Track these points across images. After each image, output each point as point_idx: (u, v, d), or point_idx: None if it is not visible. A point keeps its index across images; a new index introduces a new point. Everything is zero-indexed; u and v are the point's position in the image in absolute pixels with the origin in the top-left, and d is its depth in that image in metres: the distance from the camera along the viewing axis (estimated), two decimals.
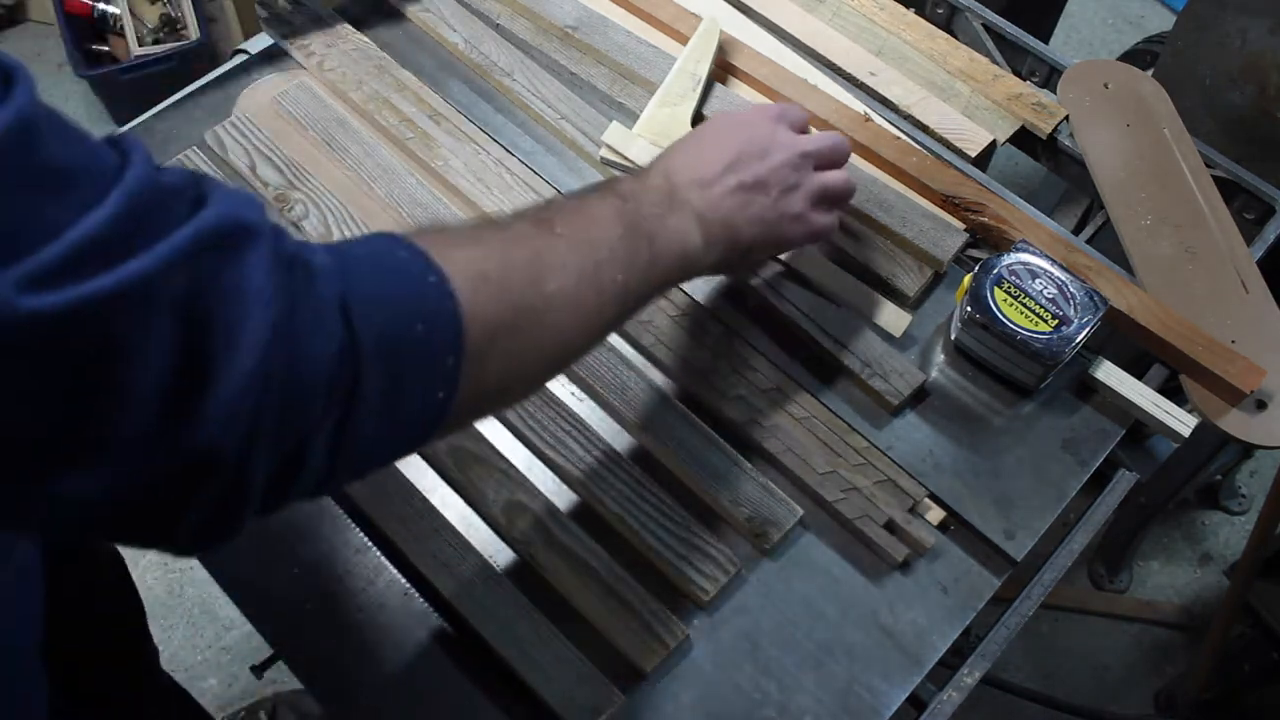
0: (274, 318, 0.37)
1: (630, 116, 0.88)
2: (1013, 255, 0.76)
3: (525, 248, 0.51)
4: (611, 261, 0.55)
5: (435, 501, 0.71)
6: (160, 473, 0.36)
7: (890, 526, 0.70)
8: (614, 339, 0.78)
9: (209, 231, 0.36)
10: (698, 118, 0.88)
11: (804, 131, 0.71)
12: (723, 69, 0.92)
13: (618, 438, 0.74)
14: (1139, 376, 0.77)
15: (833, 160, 0.71)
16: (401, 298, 0.43)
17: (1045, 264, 0.75)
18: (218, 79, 0.93)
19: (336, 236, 0.81)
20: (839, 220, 0.72)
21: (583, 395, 0.76)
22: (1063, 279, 0.75)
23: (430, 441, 0.47)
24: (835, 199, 0.71)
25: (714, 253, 0.64)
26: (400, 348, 0.42)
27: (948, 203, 0.84)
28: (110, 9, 1.94)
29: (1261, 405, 0.77)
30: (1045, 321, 0.73)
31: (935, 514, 0.72)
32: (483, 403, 0.51)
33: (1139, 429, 0.77)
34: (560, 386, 0.76)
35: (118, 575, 0.95)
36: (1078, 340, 0.72)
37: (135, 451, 0.35)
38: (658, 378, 0.77)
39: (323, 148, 0.86)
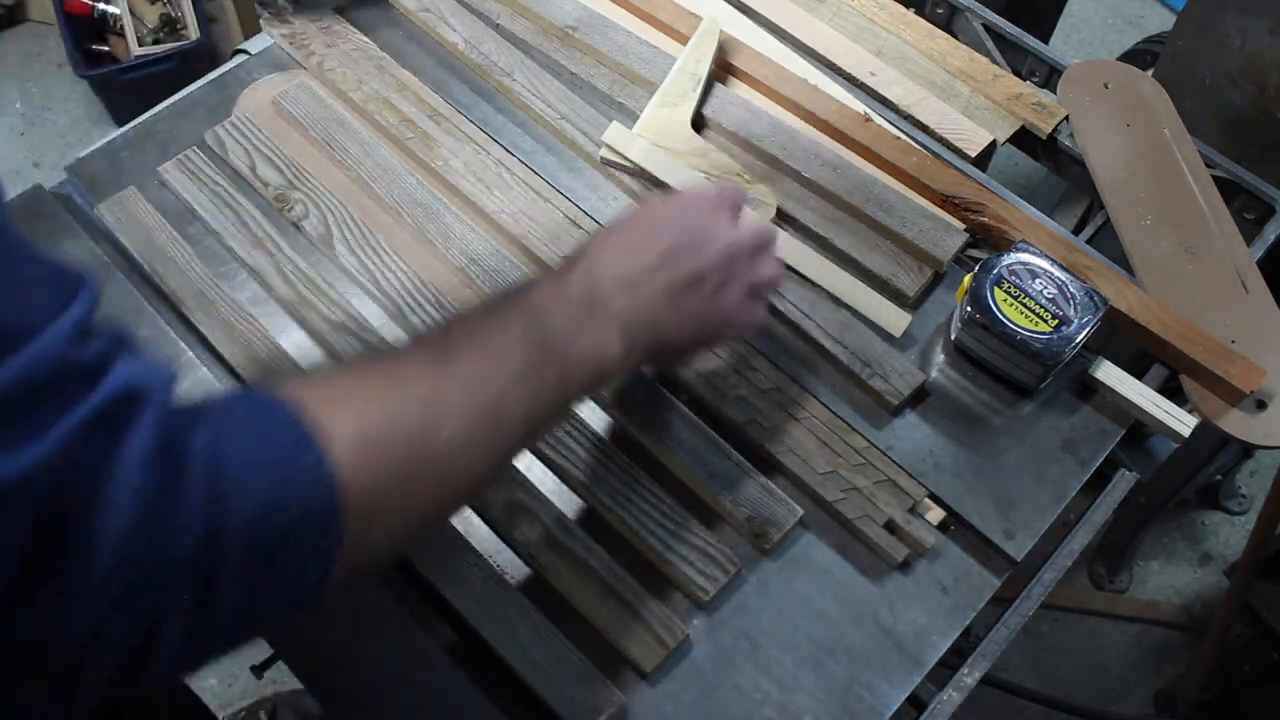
0: (138, 512, 0.36)
1: (630, 116, 0.88)
2: (1013, 255, 0.76)
3: (417, 393, 0.48)
4: (515, 393, 0.51)
5: None
6: None
7: (890, 526, 0.70)
8: None
9: (95, 414, 0.36)
10: (698, 117, 0.88)
11: (739, 212, 0.66)
12: (723, 69, 0.92)
13: (618, 438, 0.74)
14: (1139, 376, 0.77)
15: (764, 247, 0.65)
16: (275, 481, 0.41)
17: (1045, 264, 0.75)
18: (218, 79, 0.93)
19: (336, 237, 0.82)
20: (767, 311, 0.67)
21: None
22: (1063, 279, 0.75)
23: (315, 607, 0.45)
24: (765, 289, 0.66)
25: (636, 357, 0.59)
26: (270, 533, 0.41)
27: (948, 203, 0.84)
28: (110, 9, 1.94)
29: (1261, 405, 0.77)
30: (1045, 321, 0.73)
31: (935, 514, 0.72)
32: (373, 558, 0.49)
33: (1139, 429, 0.77)
34: None
35: None
36: (1078, 340, 0.72)
37: None
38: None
39: (323, 148, 0.86)
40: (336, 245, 0.81)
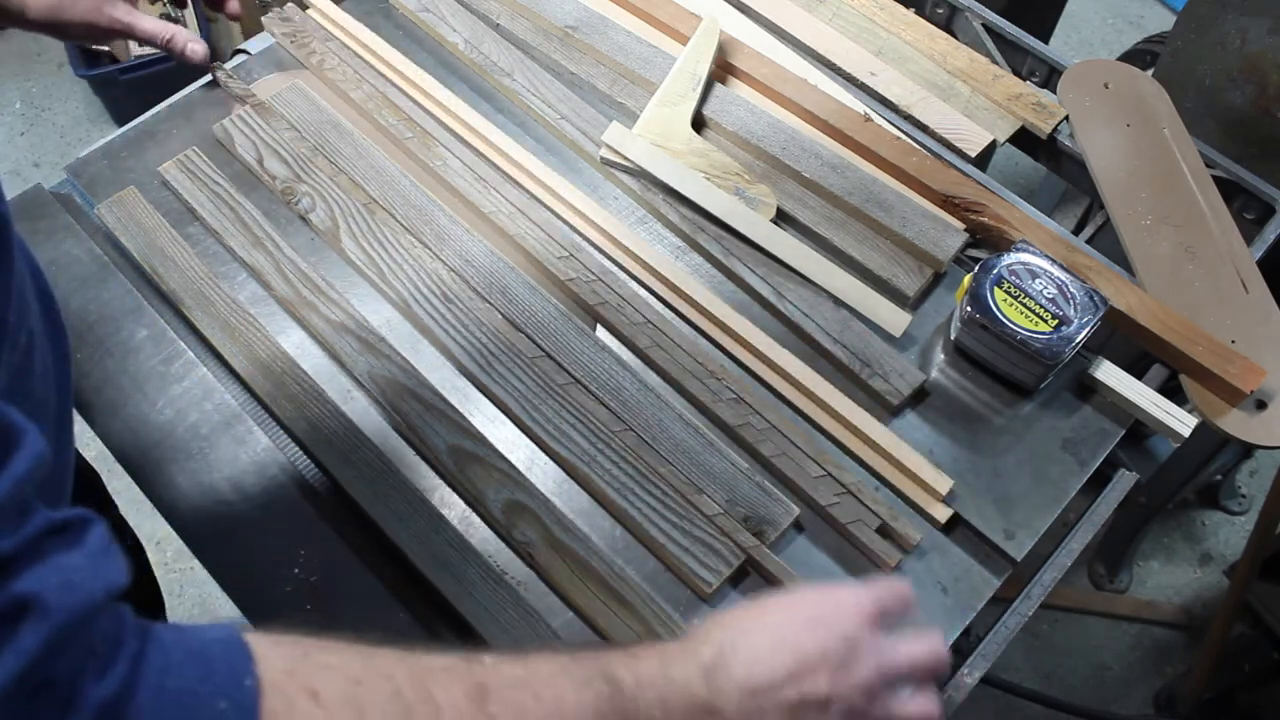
0: None
1: (630, 116, 0.88)
2: (1013, 255, 0.76)
3: None
4: None
5: (435, 501, 0.71)
6: None
7: (883, 530, 0.70)
8: (610, 340, 0.78)
9: None
10: (698, 117, 0.88)
11: (900, 618, 0.55)
12: (723, 69, 0.92)
13: (617, 434, 0.74)
14: (1139, 376, 0.77)
15: (922, 679, 0.54)
16: None
17: (1045, 264, 0.75)
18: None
19: (344, 229, 0.81)
20: None
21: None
22: (1063, 279, 0.75)
23: None
24: None
25: None
26: None
27: (948, 203, 0.84)
28: None
29: (1261, 405, 0.77)
30: (1045, 321, 0.73)
31: (942, 511, 0.71)
32: None
33: (1139, 429, 0.77)
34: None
35: (138, 564, 0.94)
36: (1078, 340, 0.72)
37: None
38: (654, 379, 0.77)
39: (316, 152, 0.86)
40: (343, 238, 0.81)
